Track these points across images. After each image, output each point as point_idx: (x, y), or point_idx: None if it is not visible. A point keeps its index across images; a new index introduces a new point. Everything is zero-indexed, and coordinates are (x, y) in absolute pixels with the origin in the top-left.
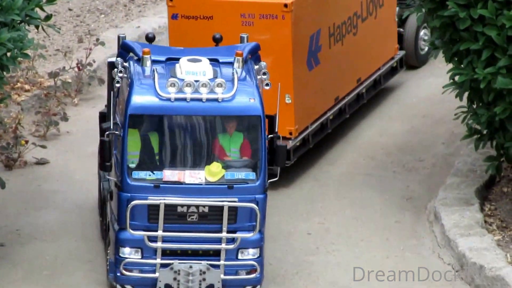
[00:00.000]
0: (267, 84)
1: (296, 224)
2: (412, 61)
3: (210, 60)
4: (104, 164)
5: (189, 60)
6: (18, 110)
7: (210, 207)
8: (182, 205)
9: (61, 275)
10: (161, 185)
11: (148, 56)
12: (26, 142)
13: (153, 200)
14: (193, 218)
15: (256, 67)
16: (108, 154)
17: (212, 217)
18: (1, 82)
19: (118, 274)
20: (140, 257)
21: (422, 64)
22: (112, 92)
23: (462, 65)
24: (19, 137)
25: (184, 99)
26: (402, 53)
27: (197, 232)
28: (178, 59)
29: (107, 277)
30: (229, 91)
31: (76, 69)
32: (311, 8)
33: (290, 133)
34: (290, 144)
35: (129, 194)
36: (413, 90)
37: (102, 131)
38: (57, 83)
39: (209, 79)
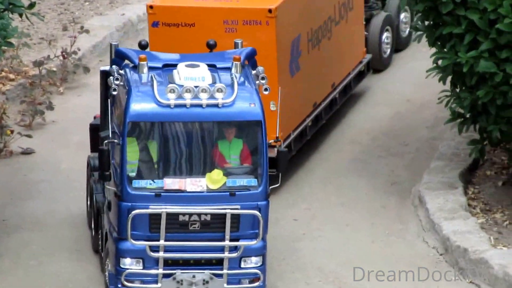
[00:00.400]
0: (266, 89)
1: (283, 211)
2: (376, 64)
3: (208, 65)
4: (103, 174)
5: (187, 66)
6: (3, 99)
7: (212, 215)
8: (184, 214)
9: (48, 264)
10: (162, 193)
11: (145, 62)
12: (12, 132)
13: (154, 209)
14: (195, 227)
15: (253, 72)
16: (107, 163)
17: (214, 225)
18: None
19: (119, 285)
20: (141, 267)
21: (385, 68)
22: (106, 100)
23: (445, 49)
24: (5, 127)
25: (184, 105)
26: (369, 56)
27: (199, 241)
28: (175, 66)
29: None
30: (229, 97)
31: (61, 57)
32: (293, 13)
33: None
34: (274, 152)
35: (129, 204)
36: (396, 74)
37: (94, 140)
38: (42, 72)
39: (208, 85)
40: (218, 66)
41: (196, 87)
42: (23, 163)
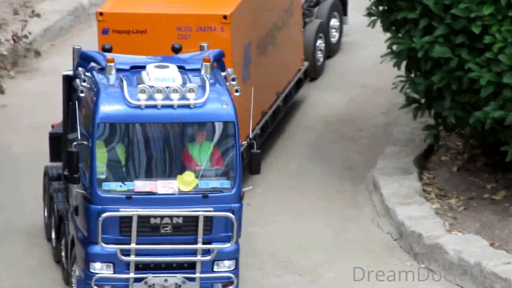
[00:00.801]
0: (236, 90)
1: None
2: (312, 72)
3: (177, 67)
4: (72, 177)
5: (156, 67)
6: None
7: (185, 217)
8: (155, 217)
9: None
10: (133, 196)
11: (112, 64)
12: None
13: (125, 211)
14: (167, 230)
15: (223, 73)
16: (76, 165)
17: (186, 228)
18: None
19: None
20: (112, 272)
21: (318, 76)
22: (69, 105)
23: (400, 34)
24: None
25: (155, 106)
26: (307, 64)
27: (171, 244)
28: (143, 67)
29: None
30: (201, 97)
31: (11, 41)
32: (245, 20)
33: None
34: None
35: (99, 207)
36: (351, 60)
37: (53, 150)
38: None
39: (180, 85)
40: (187, 67)
41: (167, 87)
42: None
